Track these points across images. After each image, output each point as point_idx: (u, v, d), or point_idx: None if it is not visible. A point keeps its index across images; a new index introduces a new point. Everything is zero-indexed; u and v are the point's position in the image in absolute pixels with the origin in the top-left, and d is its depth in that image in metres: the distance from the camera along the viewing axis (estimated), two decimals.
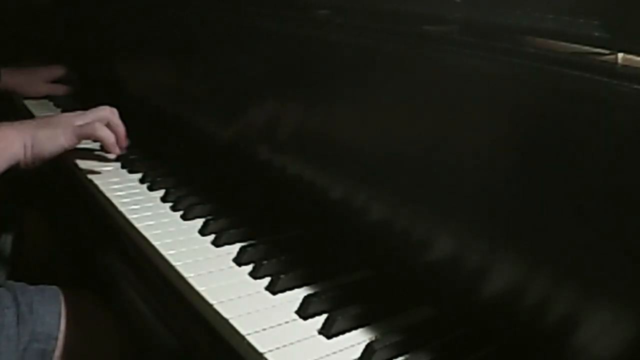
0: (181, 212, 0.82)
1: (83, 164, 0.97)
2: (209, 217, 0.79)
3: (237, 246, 0.72)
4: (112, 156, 0.98)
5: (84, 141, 0.96)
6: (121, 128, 0.96)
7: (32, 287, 0.83)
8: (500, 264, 0.56)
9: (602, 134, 0.49)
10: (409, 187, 0.65)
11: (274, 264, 0.68)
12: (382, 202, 0.69)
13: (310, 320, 0.60)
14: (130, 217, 0.80)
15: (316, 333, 0.58)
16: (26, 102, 1.34)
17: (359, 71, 0.70)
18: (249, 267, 0.69)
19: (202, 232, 0.77)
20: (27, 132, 0.88)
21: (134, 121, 0.98)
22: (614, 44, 0.52)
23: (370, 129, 0.70)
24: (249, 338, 0.57)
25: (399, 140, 0.67)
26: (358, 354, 0.55)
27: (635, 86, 0.47)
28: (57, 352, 0.79)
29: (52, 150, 0.90)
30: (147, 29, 1.21)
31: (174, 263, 0.69)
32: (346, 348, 0.57)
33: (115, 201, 0.84)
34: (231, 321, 0.59)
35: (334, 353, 0.56)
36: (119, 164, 0.98)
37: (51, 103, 1.35)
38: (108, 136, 0.93)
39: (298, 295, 0.63)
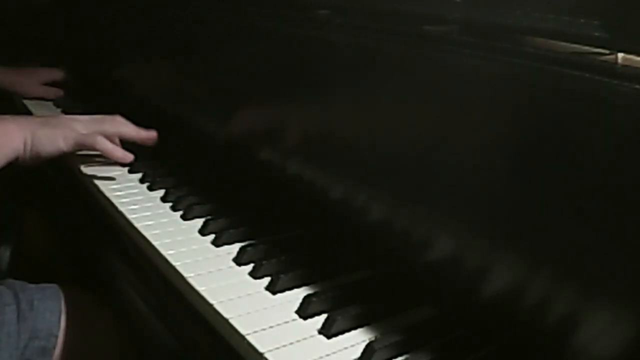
0: (181, 212, 0.82)
1: (83, 164, 0.97)
2: (209, 217, 0.79)
3: (237, 246, 0.72)
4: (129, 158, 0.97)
5: None
6: (135, 136, 0.95)
7: (32, 285, 0.83)
8: (500, 264, 0.56)
9: (602, 134, 0.49)
10: (409, 187, 0.65)
11: (274, 264, 0.68)
12: (382, 202, 0.69)
13: (310, 320, 0.60)
14: (130, 217, 0.80)
15: (316, 333, 0.58)
16: (25, 101, 1.34)
17: (359, 71, 0.70)
18: (249, 267, 0.69)
19: (202, 232, 0.77)
20: (28, 128, 0.88)
21: (134, 121, 0.98)
22: (614, 44, 0.52)
23: (370, 129, 0.70)
24: (249, 338, 0.57)
25: (399, 140, 0.67)
26: (358, 354, 0.55)
27: (635, 86, 0.47)
28: (58, 350, 0.79)
29: (50, 151, 0.90)
30: (147, 29, 1.21)
31: (173, 263, 0.69)
32: (346, 348, 0.57)
33: (115, 201, 0.84)
34: (231, 321, 0.59)
35: (334, 353, 0.56)
36: (119, 164, 0.98)
37: (51, 102, 1.35)
38: (110, 151, 0.93)
39: (298, 295, 0.63)
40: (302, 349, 0.56)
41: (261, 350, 0.55)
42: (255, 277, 0.67)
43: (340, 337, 0.58)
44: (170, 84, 1.14)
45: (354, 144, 0.72)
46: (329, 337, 0.58)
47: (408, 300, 0.64)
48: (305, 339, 0.57)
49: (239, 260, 0.70)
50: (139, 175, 0.94)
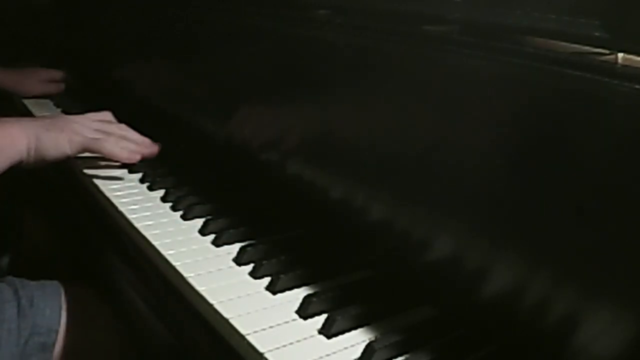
0: (181, 212, 0.82)
1: (83, 164, 0.97)
2: (209, 217, 0.79)
3: (237, 246, 0.72)
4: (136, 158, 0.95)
5: None
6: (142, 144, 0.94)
7: (32, 282, 0.83)
8: (500, 264, 0.56)
9: (602, 134, 0.49)
10: (409, 187, 0.65)
11: (274, 264, 0.68)
12: (382, 202, 0.69)
13: (310, 320, 0.60)
14: (130, 217, 0.80)
15: (316, 333, 0.58)
16: (25, 101, 1.34)
17: (359, 71, 0.70)
18: (249, 267, 0.69)
19: (202, 232, 0.77)
20: (32, 132, 0.87)
21: (134, 121, 0.98)
22: (614, 44, 0.52)
23: (370, 129, 0.70)
24: (249, 338, 0.57)
25: (399, 140, 0.67)
26: (358, 354, 0.55)
27: (635, 86, 0.47)
28: (58, 346, 0.80)
29: (55, 156, 0.88)
30: (147, 29, 1.21)
31: (173, 263, 0.69)
32: (346, 348, 0.57)
33: (115, 201, 0.84)
34: (231, 321, 0.59)
35: (334, 353, 0.56)
36: (118, 164, 0.98)
37: (51, 102, 1.35)
38: (117, 155, 0.92)
39: (298, 295, 0.63)
40: (302, 349, 0.56)
41: (261, 350, 0.55)
42: (255, 277, 0.67)
43: (340, 337, 0.58)
44: (170, 84, 1.14)
45: (354, 144, 0.72)
46: (329, 337, 0.58)
47: (408, 300, 0.64)
48: (305, 339, 0.57)
49: (239, 260, 0.70)
50: (139, 175, 0.94)
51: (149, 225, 0.78)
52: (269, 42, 0.85)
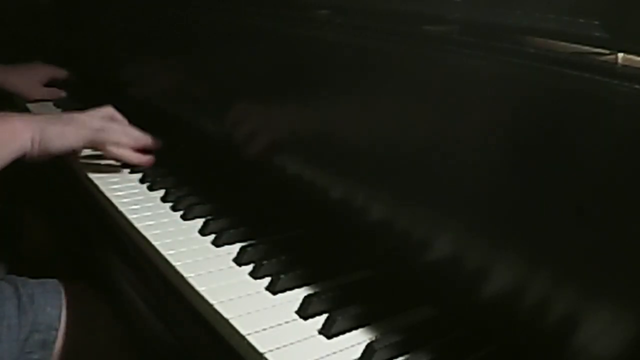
0: (181, 212, 0.82)
1: (83, 163, 0.97)
2: (209, 217, 0.79)
3: (237, 246, 0.73)
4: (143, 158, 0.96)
5: None
6: (142, 140, 0.95)
7: (33, 280, 0.83)
8: (500, 264, 0.56)
9: (602, 134, 0.49)
10: (409, 187, 0.65)
11: (274, 264, 0.68)
12: (382, 202, 0.69)
13: (310, 320, 0.60)
14: (130, 217, 0.80)
15: (316, 333, 0.58)
16: (27, 104, 1.34)
17: (359, 71, 0.70)
18: (249, 267, 0.69)
19: (202, 232, 0.77)
20: (36, 126, 0.87)
21: (134, 121, 0.98)
22: (614, 44, 0.52)
23: (370, 129, 0.70)
24: (249, 338, 0.57)
25: (399, 140, 0.67)
26: (358, 354, 0.55)
27: (635, 86, 0.47)
28: (58, 343, 0.80)
29: (60, 148, 0.89)
30: (147, 29, 1.21)
31: (174, 263, 0.69)
32: (346, 348, 0.57)
33: (115, 201, 0.84)
34: (231, 321, 0.59)
35: (334, 353, 0.56)
36: (119, 164, 0.98)
37: (50, 103, 1.35)
38: (123, 142, 0.92)
39: (298, 295, 0.63)
40: (302, 349, 0.56)
41: (261, 350, 0.55)
42: (255, 277, 0.67)
43: (340, 337, 0.58)
44: (170, 84, 1.14)
45: (354, 144, 0.72)
46: (329, 337, 0.58)
47: (408, 300, 0.64)
48: (305, 339, 0.58)
49: (239, 261, 0.70)
50: (139, 175, 0.94)
51: (149, 225, 0.78)
52: (269, 42, 0.85)
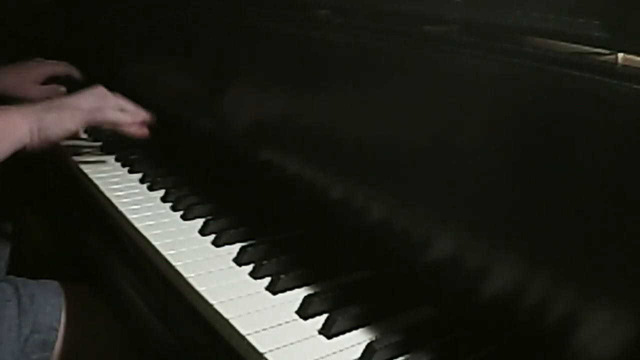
0: (181, 212, 0.82)
1: (83, 163, 0.97)
2: (209, 217, 0.79)
3: (237, 246, 0.73)
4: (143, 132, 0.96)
5: (85, 141, 0.95)
6: (138, 114, 0.95)
7: (33, 281, 0.83)
8: (500, 264, 0.56)
9: (602, 134, 0.49)
10: (409, 187, 0.65)
11: (274, 264, 0.68)
12: (382, 202, 0.69)
13: (310, 320, 0.60)
14: (130, 217, 0.80)
15: (316, 333, 0.58)
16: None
17: (359, 71, 0.70)
18: (249, 267, 0.69)
19: (202, 232, 0.77)
20: (33, 116, 0.88)
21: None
22: (614, 44, 0.52)
23: (370, 129, 0.70)
24: (249, 338, 0.57)
25: (399, 140, 0.67)
26: (358, 354, 0.56)
27: (635, 86, 0.47)
28: (58, 344, 0.80)
29: (59, 134, 0.89)
30: (147, 29, 1.21)
31: (174, 263, 0.69)
32: (346, 348, 0.57)
33: (115, 201, 0.84)
34: (231, 321, 0.59)
35: (334, 353, 0.56)
36: (119, 164, 0.98)
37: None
38: (121, 118, 0.93)
39: (298, 295, 0.63)
40: (303, 349, 0.56)
41: (261, 350, 0.55)
42: (255, 277, 0.67)
43: (340, 337, 0.58)
44: (170, 84, 1.14)
45: (354, 143, 0.72)
46: (329, 337, 0.58)
47: (408, 300, 0.64)
48: (305, 339, 0.58)
49: (239, 261, 0.70)
50: (139, 175, 0.94)
51: (149, 225, 0.78)
52: (269, 42, 0.85)
